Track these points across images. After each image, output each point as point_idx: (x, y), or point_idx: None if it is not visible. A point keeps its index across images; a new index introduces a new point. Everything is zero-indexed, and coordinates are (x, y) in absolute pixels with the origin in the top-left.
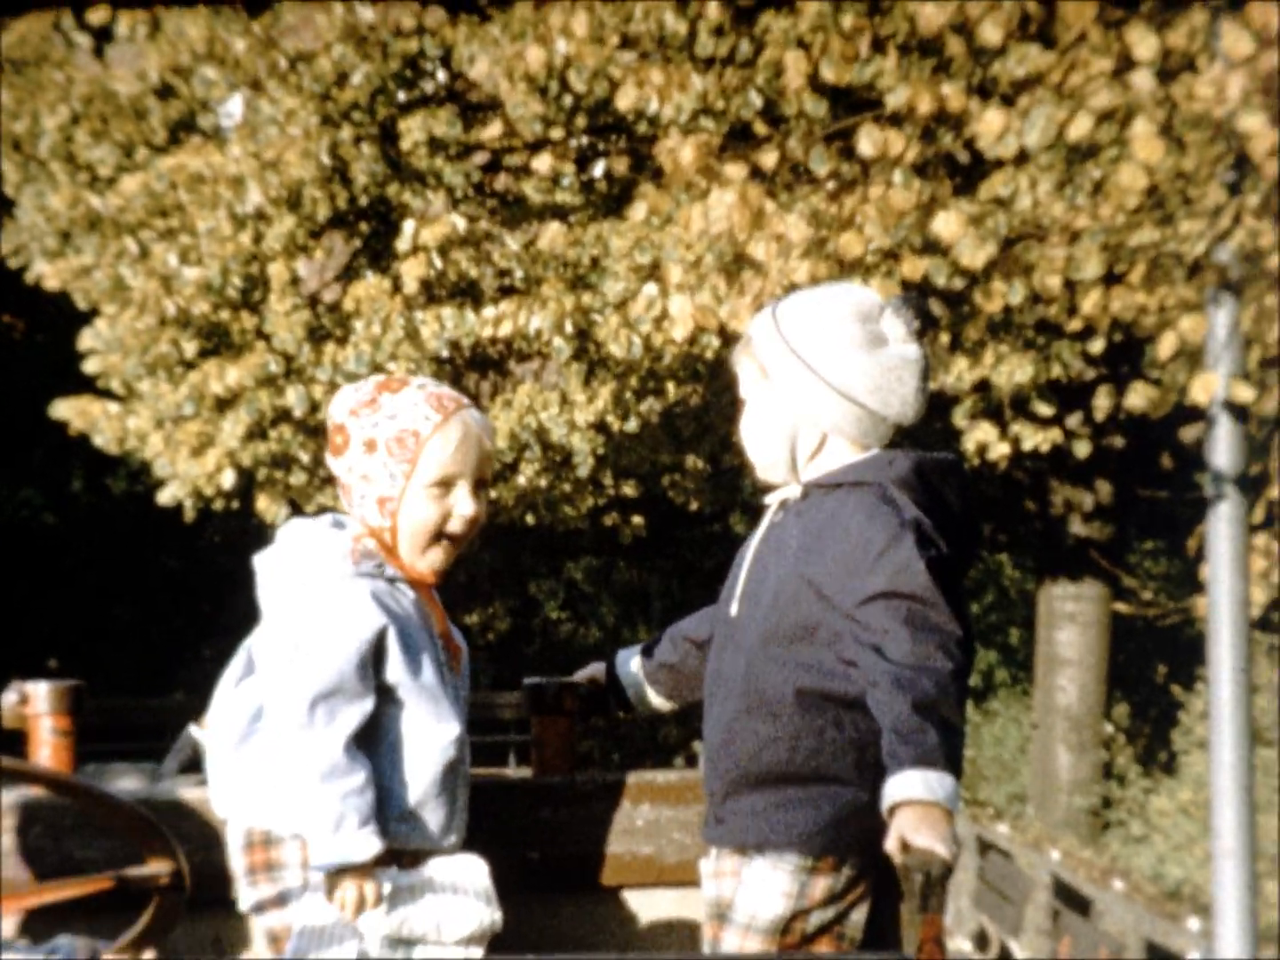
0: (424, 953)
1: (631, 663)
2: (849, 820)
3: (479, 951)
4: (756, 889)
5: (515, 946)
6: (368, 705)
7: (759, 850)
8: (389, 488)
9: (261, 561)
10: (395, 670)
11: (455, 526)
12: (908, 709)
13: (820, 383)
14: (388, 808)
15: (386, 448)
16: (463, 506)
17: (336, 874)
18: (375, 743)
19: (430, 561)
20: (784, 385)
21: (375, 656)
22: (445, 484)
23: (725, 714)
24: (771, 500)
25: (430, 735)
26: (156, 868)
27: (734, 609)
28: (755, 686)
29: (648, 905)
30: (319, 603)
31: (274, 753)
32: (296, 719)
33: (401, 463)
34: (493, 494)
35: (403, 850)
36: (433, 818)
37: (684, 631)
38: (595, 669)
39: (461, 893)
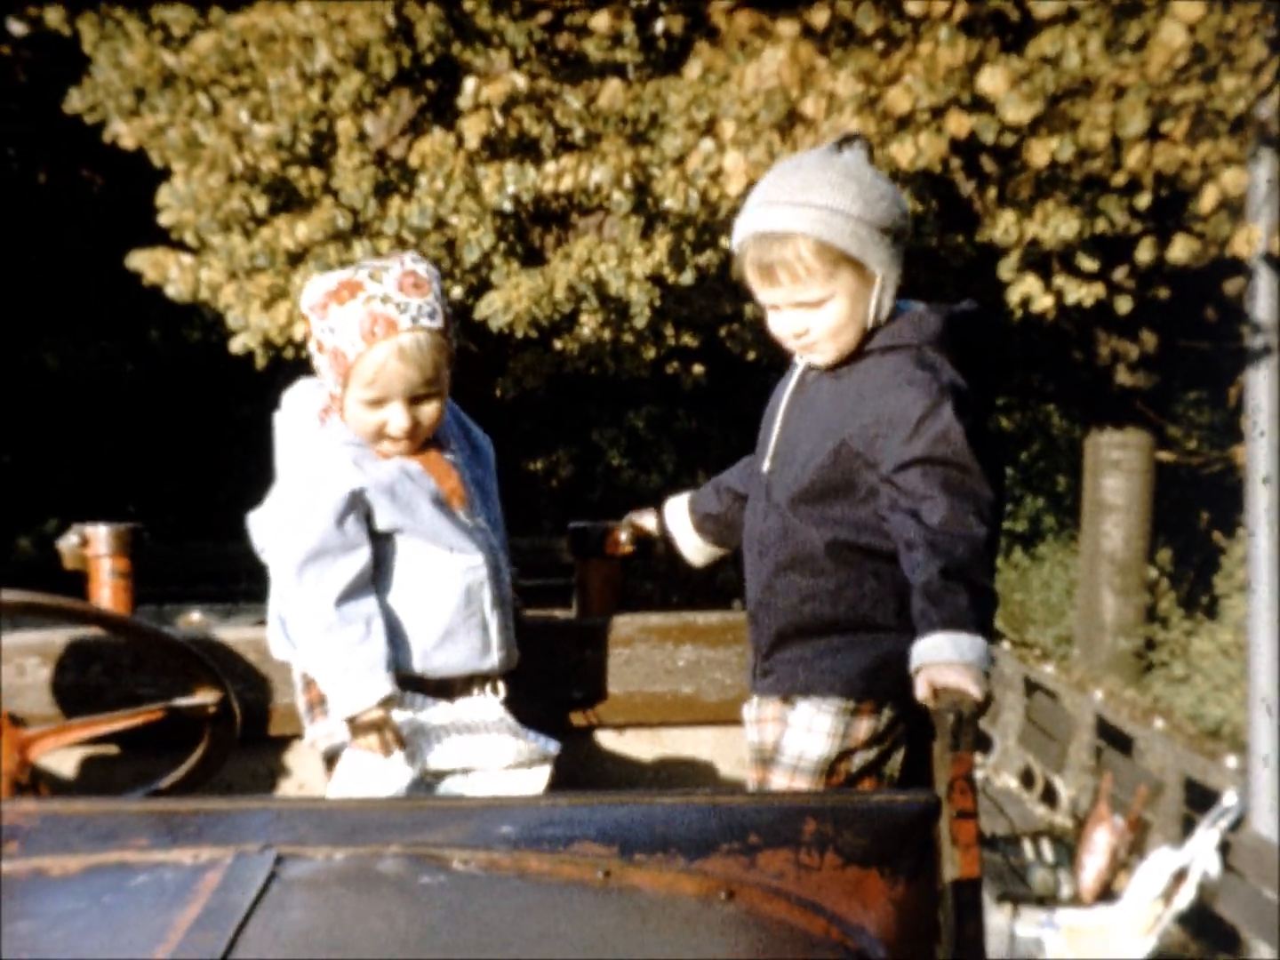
0: (482, 780)
1: (680, 514)
2: (890, 665)
3: (542, 775)
4: (802, 731)
5: (559, 782)
6: (360, 556)
7: (803, 695)
8: (333, 387)
9: (275, 422)
10: (387, 519)
11: (393, 432)
12: (940, 572)
13: (889, 237)
14: (416, 642)
15: (329, 357)
16: (395, 421)
17: (353, 720)
18: (390, 583)
19: (386, 451)
20: (872, 259)
21: (363, 512)
22: (376, 401)
23: (765, 570)
24: (801, 358)
25: (444, 567)
26: (204, 697)
27: (766, 465)
28: (794, 543)
29: (688, 743)
30: (297, 470)
31: (285, 612)
32: (290, 582)
33: (338, 375)
34: (557, 345)
35: (442, 679)
36: (464, 643)
37: (726, 483)
38: (643, 518)
39: (490, 727)
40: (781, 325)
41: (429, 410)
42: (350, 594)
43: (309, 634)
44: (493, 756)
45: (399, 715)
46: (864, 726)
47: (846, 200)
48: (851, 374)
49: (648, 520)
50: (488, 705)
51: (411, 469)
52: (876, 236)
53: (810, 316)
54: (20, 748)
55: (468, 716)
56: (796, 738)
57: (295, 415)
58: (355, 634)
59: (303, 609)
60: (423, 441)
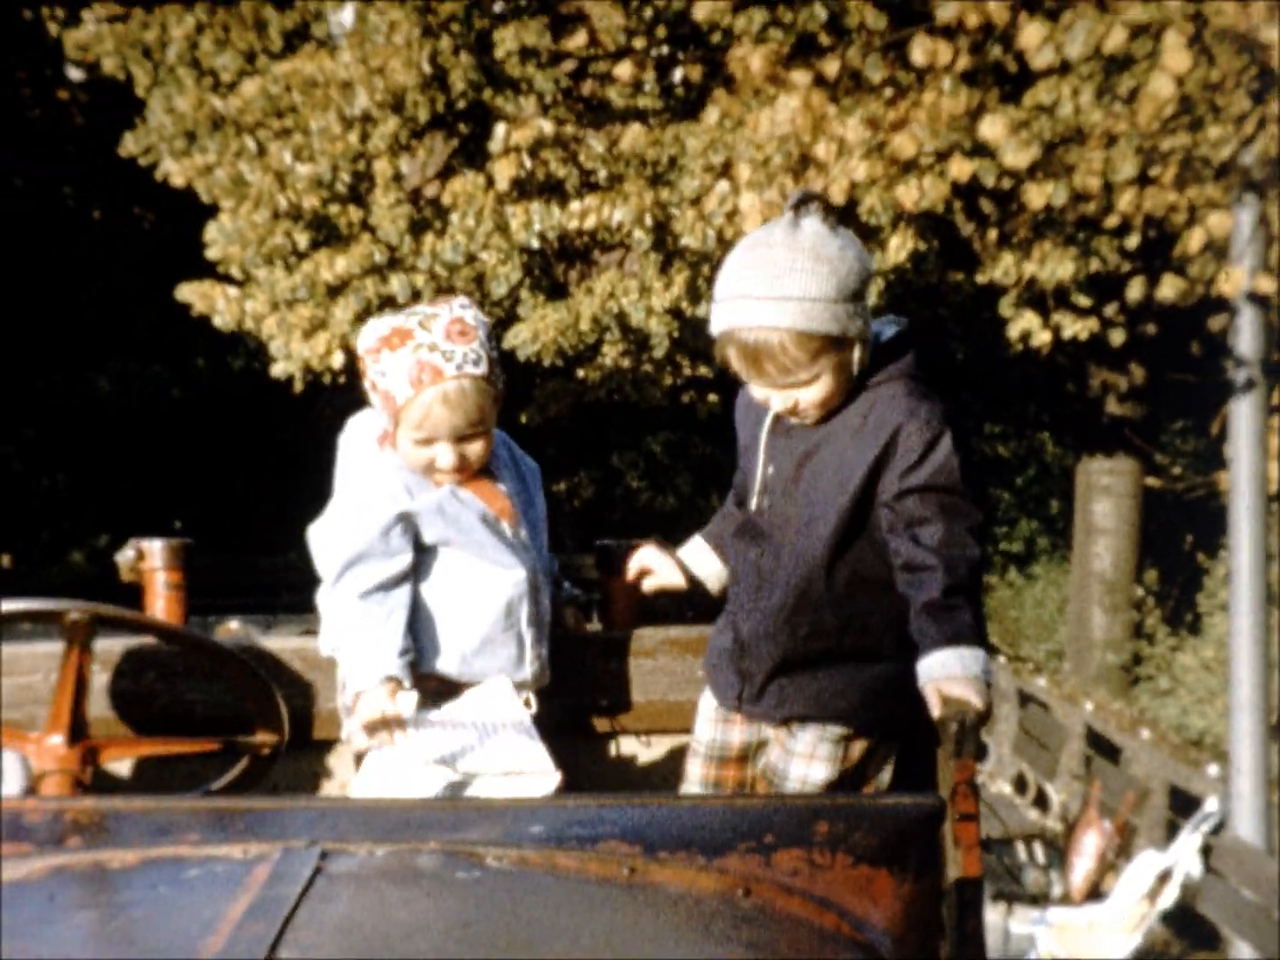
0: (483, 784)
1: (706, 554)
2: (886, 691)
3: (544, 783)
4: (805, 759)
5: (589, 785)
6: (398, 563)
7: (802, 722)
8: (386, 423)
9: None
10: (435, 533)
11: (442, 467)
12: (944, 591)
13: (861, 301)
14: (457, 647)
15: (380, 397)
16: (442, 459)
17: (360, 698)
18: (436, 592)
19: (438, 480)
20: (852, 330)
21: (410, 529)
22: (424, 441)
23: (769, 607)
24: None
25: (487, 580)
26: (263, 739)
27: (754, 503)
28: (802, 581)
29: None
30: (355, 486)
31: (324, 609)
32: (331, 578)
33: (389, 415)
34: (580, 374)
35: (472, 684)
36: (501, 652)
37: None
38: (666, 574)
39: (497, 725)
40: (770, 401)
41: (475, 448)
42: (379, 589)
43: (338, 623)
44: (493, 759)
45: (407, 703)
46: (858, 748)
47: (821, 285)
48: (842, 409)
49: (672, 575)
50: (505, 703)
51: (462, 494)
52: (852, 308)
53: (798, 393)
54: (90, 754)
55: (484, 715)
56: (801, 764)
57: (358, 439)
58: (375, 621)
59: (336, 603)
60: (472, 473)
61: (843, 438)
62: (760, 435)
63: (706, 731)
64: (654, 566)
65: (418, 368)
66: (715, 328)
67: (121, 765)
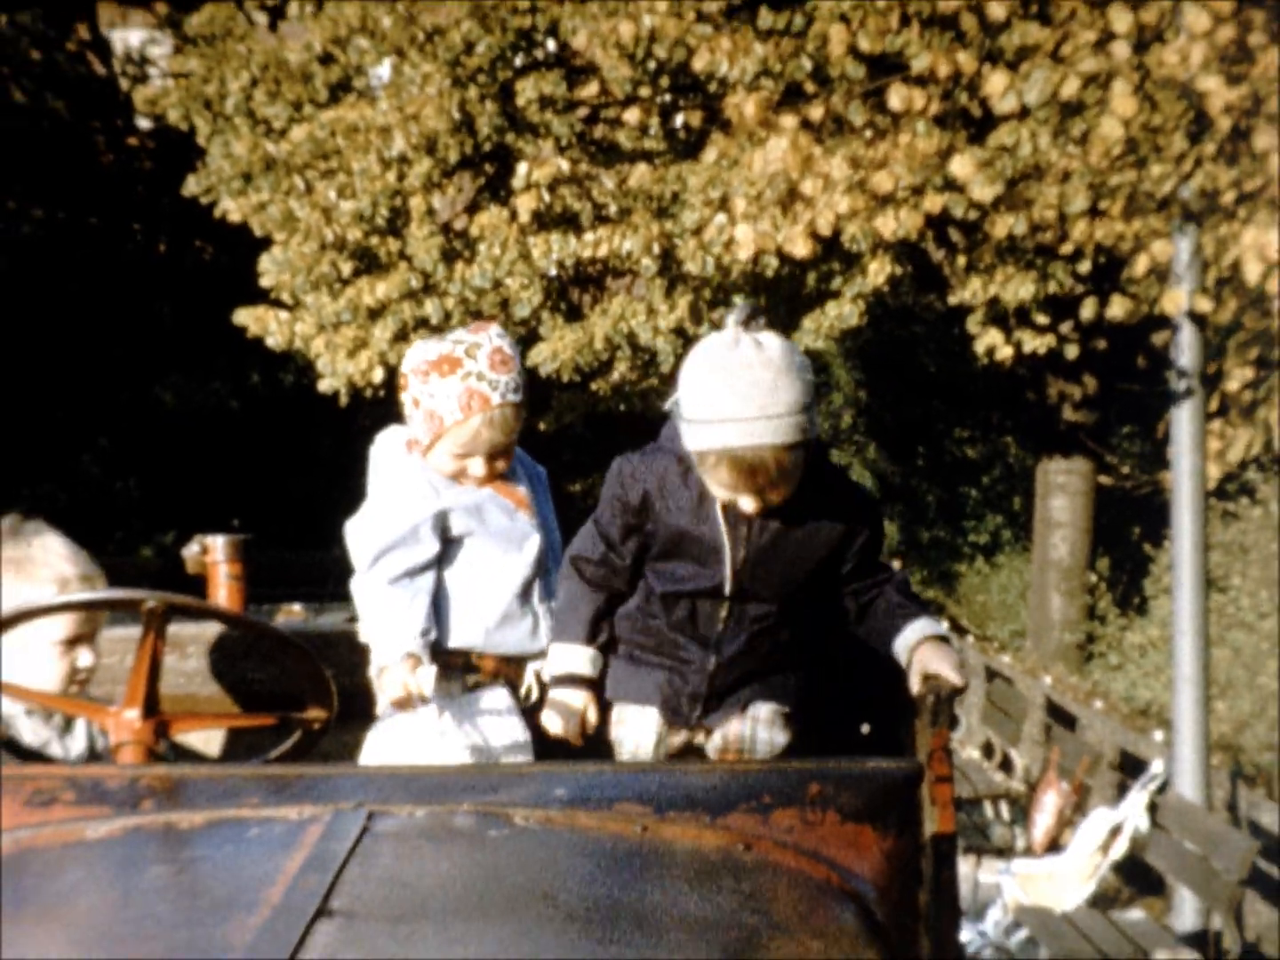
0: (484, 756)
1: (597, 660)
2: (809, 686)
3: (524, 755)
4: (767, 724)
5: (601, 754)
6: (423, 551)
7: (754, 702)
8: (422, 436)
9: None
10: (461, 525)
11: (471, 477)
12: (904, 595)
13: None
14: (481, 622)
15: (423, 414)
16: (474, 470)
17: (383, 673)
18: (461, 575)
19: (461, 483)
20: (816, 431)
21: (439, 523)
22: (462, 455)
23: (741, 642)
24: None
25: (504, 563)
26: (314, 714)
27: (729, 587)
28: (777, 624)
29: None
30: (388, 486)
31: (356, 595)
32: (364, 565)
33: (429, 431)
34: (593, 386)
35: (500, 656)
36: (519, 626)
37: (601, 614)
38: (580, 705)
39: (503, 713)
40: (739, 502)
41: (502, 463)
42: (406, 575)
43: (367, 605)
44: (499, 739)
45: (426, 677)
46: (799, 724)
47: (800, 397)
48: (803, 496)
49: (587, 704)
50: (504, 720)
51: (485, 491)
52: (815, 411)
53: (770, 495)
54: (162, 727)
55: (486, 704)
56: (765, 729)
57: (386, 449)
58: (401, 604)
59: (367, 587)
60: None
61: (804, 519)
62: (715, 521)
63: (648, 742)
64: (575, 706)
65: (468, 395)
66: (703, 445)
67: (190, 737)
